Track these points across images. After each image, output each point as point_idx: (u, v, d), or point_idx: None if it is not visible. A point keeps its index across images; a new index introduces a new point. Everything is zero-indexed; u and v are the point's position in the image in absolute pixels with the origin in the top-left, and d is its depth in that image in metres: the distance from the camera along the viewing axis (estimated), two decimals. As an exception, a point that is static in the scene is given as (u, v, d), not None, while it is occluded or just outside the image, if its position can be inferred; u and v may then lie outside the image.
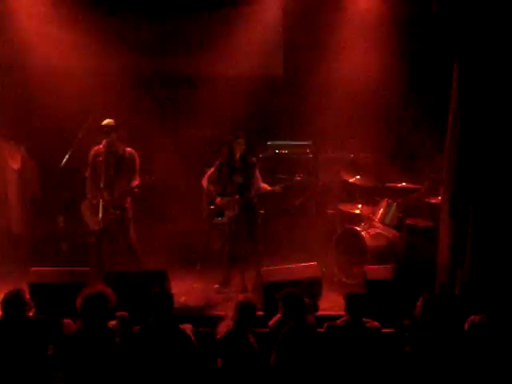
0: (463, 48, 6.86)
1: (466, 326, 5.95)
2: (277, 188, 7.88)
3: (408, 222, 8.33)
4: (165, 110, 9.30)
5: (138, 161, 7.81)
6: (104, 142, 7.74)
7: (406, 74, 8.76)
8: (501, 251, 6.79)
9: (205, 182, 7.92)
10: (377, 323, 6.09)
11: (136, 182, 7.68)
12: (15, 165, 9.06)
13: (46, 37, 8.81)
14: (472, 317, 5.98)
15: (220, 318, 6.27)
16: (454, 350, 5.79)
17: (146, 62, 9.48)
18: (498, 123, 6.76)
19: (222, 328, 5.96)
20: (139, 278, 7.13)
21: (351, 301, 6.05)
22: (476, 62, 6.79)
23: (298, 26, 9.13)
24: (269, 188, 7.89)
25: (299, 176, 8.64)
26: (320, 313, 7.00)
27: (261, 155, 9.12)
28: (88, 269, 7.21)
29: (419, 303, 5.93)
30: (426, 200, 8.41)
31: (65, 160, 8.50)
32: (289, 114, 9.31)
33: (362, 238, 8.10)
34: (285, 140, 9.45)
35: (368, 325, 6.02)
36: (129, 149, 7.83)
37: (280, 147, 9.41)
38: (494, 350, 5.78)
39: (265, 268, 7.43)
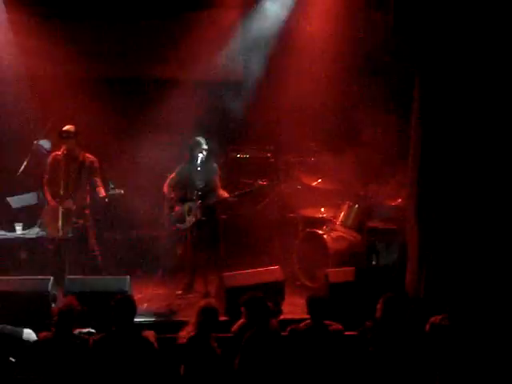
0: (423, 61, 6.97)
1: (427, 327, 6.03)
2: (230, 198, 7.86)
3: (369, 224, 8.41)
4: (126, 115, 9.23)
5: (98, 167, 7.74)
6: (63, 148, 7.65)
7: (366, 80, 8.84)
8: (463, 255, 6.89)
9: (166, 188, 7.87)
10: (340, 326, 6.12)
11: (101, 190, 7.61)
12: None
13: (5, 43, 8.70)
14: (433, 318, 6.06)
15: (182, 324, 6.23)
16: (415, 351, 5.85)
17: (107, 67, 9.41)
18: (460, 133, 6.88)
19: (185, 333, 5.93)
20: (101, 285, 7.05)
21: (313, 304, 6.07)
22: (436, 76, 6.91)
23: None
24: (225, 195, 7.87)
25: (261, 180, 8.64)
26: (283, 316, 7.00)
27: (222, 160, 9.09)
28: (48, 277, 7.11)
29: (380, 305, 5.98)
30: (386, 202, 8.49)
31: (23, 166, 8.38)
32: (250, 118, 9.30)
33: (323, 241, 8.14)
34: (246, 145, 9.44)
35: (331, 328, 6.05)
36: (88, 155, 7.76)
37: (241, 151, 9.41)
38: (454, 351, 5.86)
39: (227, 273, 7.40)
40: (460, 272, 6.87)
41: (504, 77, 6.80)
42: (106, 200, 7.65)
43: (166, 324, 6.91)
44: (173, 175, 7.86)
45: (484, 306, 6.33)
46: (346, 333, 6.16)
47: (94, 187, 7.70)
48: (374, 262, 8.16)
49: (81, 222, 7.64)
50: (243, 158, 9.40)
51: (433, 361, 5.88)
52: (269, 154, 9.37)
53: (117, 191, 7.67)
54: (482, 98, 6.82)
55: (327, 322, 6.09)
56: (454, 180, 6.96)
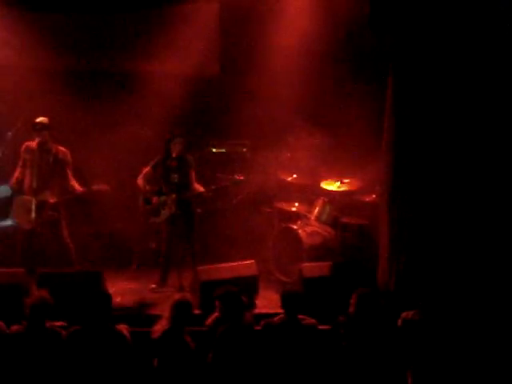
0: (398, 55, 7.01)
1: (399, 322, 6.09)
2: (205, 192, 7.85)
3: (343, 219, 8.45)
4: (100, 109, 9.15)
5: (71, 160, 7.68)
6: (36, 140, 7.58)
7: (343, 75, 8.86)
8: (435, 250, 6.95)
9: (140, 181, 7.82)
10: (313, 320, 6.15)
11: (75, 183, 7.55)
12: None
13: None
14: (405, 313, 6.12)
15: (156, 318, 6.22)
16: (387, 345, 5.90)
17: (83, 60, 9.30)
18: (432, 128, 6.94)
19: (159, 327, 5.91)
20: (74, 279, 7.01)
21: (287, 298, 6.09)
22: (410, 70, 6.96)
23: (234, 24, 9.13)
24: (201, 189, 7.85)
25: (237, 175, 8.63)
26: (257, 311, 7.02)
27: (198, 154, 9.06)
28: (20, 270, 7.05)
29: (353, 300, 6.02)
30: (360, 198, 8.54)
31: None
32: (226, 112, 9.28)
33: (298, 235, 8.16)
34: (222, 139, 9.42)
35: (304, 322, 6.08)
36: (62, 148, 7.70)
37: (217, 146, 9.39)
38: (426, 345, 5.92)
39: (202, 267, 7.40)
40: (431, 267, 6.93)
41: (478, 66, 6.87)
42: (86, 195, 7.60)
43: (140, 318, 6.87)
44: (147, 168, 7.82)
45: (455, 301, 6.41)
46: (320, 327, 6.19)
47: (67, 180, 7.63)
48: (347, 258, 8.18)
49: (54, 214, 7.58)
50: (219, 152, 9.38)
51: (405, 355, 5.94)
52: (245, 149, 9.35)
53: (101, 186, 7.63)
54: (457, 89, 6.88)
55: (301, 316, 6.11)
56: (426, 176, 7.02)
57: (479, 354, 6.03)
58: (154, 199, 7.72)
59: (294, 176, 8.80)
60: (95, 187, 7.64)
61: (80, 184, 7.73)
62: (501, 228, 6.93)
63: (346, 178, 8.55)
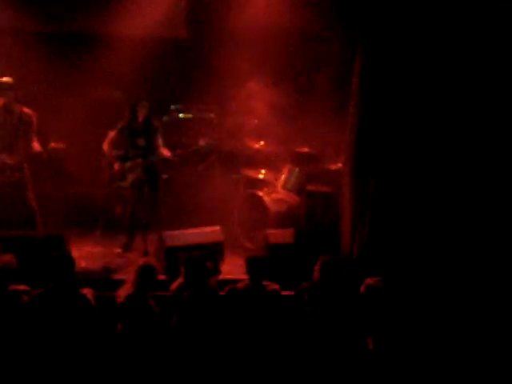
0: (366, 33, 7.01)
1: (362, 288, 6.17)
2: (172, 157, 7.80)
3: (309, 187, 8.48)
4: (65, 71, 8.99)
5: (35, 122, 7.56)
6: (1, 100, 7.44)
7: (311, 42, 8.83)
8: (397, 219, 7.04)
9: (106, 146, 7.73)
10: (277, 286, 6.20)
11: (36, 144, 7.46)
12: None
13: None
14: (368, 279, 6.20)
15: (121, 283, 6.21)
16: (350, 311, 5.99)
17: (49, 22, 9.12)
18: (397, 104, 6.99)
19: (123, 292, 5.91)
20: (37, 242, 6.95)
21: (252, 264, 6.13)
22: (379, 39, 6.98)
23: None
24: (167, 154, 7.81)
25: (203, 140, 8.59)
26: (222, 276, 7.05)
27: (164, 119, 8.99)
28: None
29: (317, 266, 6.08)
30: (327, 166, 8.57)
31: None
32: (193, 76, 9.19)
33: (264, 202, 8.18)
34: (189, 104, 9.34)
35: (268, 288, 6.13)
36: (26, 109, 7.57)
37: (184, 111, 9.31)
38: (388, 312, 6.02)
39: (167, 232, 7.38)
40: (393, 236, 7.02)
41: (446, 44, 6.92)
42: (44, 155, 7.49)
43: (105, 282, 6.85)
44: (113, 133, 7.71)
45: (417, 269, 6.52)
46: (284, 293, 6.25)
47: (30, 142, 7.52)
48: (312, 225, 8.24)
49: (15, 175, 7.46)
50: (186, 117, 9.31)
51: (366, 321, 6.03)
52: (212, 115, 9.29)
53: (58, 145, 7.53)
54: (424, 63, 6.92)
55: (265, 282, 6.16)
56: (389, 146, 7.07)
57: (439, 319, 6.16)
58: (120, 164, 7.66)
59: (262, 143, 8.78)
60: (51, 146, 7.53)
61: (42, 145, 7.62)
62: (459, 196, 7.02)
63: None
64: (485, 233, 6.97)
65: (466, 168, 7.02)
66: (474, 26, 6.88)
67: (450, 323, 6.26)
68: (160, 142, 7.79)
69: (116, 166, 7.67)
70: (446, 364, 6.05)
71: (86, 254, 7.71)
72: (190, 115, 9.30)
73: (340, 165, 8.42)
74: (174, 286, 6.23)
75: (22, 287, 5.92)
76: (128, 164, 7.63)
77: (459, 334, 6.25)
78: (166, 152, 7.81)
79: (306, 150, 8.73)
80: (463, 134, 7.01)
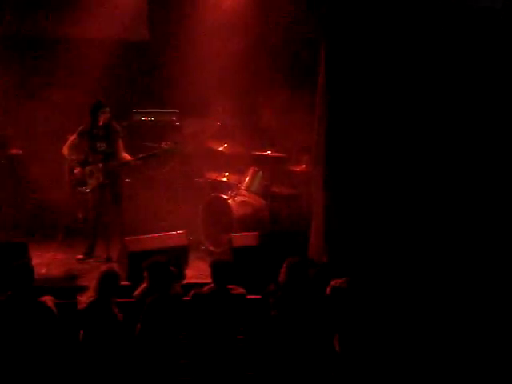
0: (331, 31, 7.01)
1: (328, 290, 6.15)
2: (133, 161, 7.71)
3: (273, 189, 8.47)
4: (24, 75, 8.84)
5: None
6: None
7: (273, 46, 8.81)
8: (365, 220, 7.05)
9: (66, 150, 7.62)
10: (243, 290, 6.15)
11: None
12: None
13: None
14: (333, 281, 6.18)
15: (83, 289, 6.10)
16: (316, 313, 5.96)
17: (9, 25, 8.95)
18: (364, 103, 7.01)
19: (85, 299, 5.81)
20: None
21: (216, 268, 6.06)
22: (343, 44, 6.98)
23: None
24: (128, 158, 7.72)
25: (166, 144, 8.50)
26: (187, 281, 6.98)
27: (125, 123, 8.88)
28: None
29: (283, 269, 6.04)
30: (291, 168, 8.56)
31: None
32: (155, 80, 9.11)
33: (228, 205, 8.13)
34: (150, 107, 9.26)
35: (234, 292, 6.07)
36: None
37: (146, 114, 9.22)
38: (355, 313, 6.01)
39: (130, 237, 7.29)
40: (361, 238, 7.03)
41: (410, 43, 6.97)
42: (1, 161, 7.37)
43: (66, 289, 6.73)
44: (73, 137, 7.62)
45: (383, 270, 6.52)
46: (249, 297, 6.20)
47: None
48: (276, 227, 8.21)
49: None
50: (148, 120, 9.21)
51: (333, 322, 6.01)
52: (174, 118, 9.22)
53: (16, 152, 7.40)
54: (388, 61, 6.95)
55: (230, 286, 6.10)
56: (358, 148, 7.08)
57: (403, 320, 6.16)
58: (81, 168, 7.54)
59: (225, 145, 8.73)
60: (11, 152, 7.39)
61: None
62: (427, 199, 7.06)
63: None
64: (451, 234, 7.01)
65: (433, 168, 7.05)
66: (437, 23, 6.93)
67: (417, 323, 6.28)
68: (121, 146, 7.70)
69: (76, 171, 7.55)
70: (413, 363, 6.06)
71: (47, 260, 7.61)
72: (151, 118, 9.21)
73: (304, 166, 8.41)
74: (138, 291, 6.15)
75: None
76: (88, 169, 7.53)
77: (426, 333, 6.27)
78: (127, 156, 7.72)
79: (269, 152, 8.69)
80: (431, 132, 7.05)
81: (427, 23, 6.98)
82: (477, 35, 7.03)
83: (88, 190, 7.59)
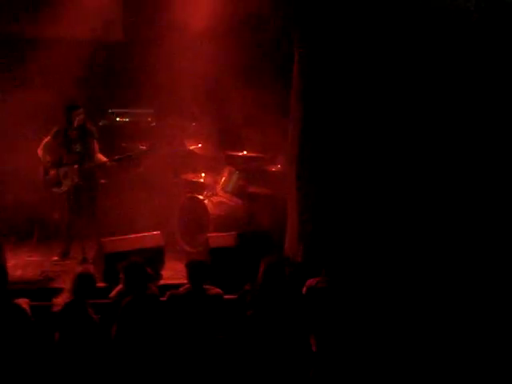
0: (304, 37, 7.03)
1: (304, 290, 6.17)
2: (108, 161, 7.68)
3: (249, 189, 8.47)
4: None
5: None
6: None
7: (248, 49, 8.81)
8: (340, 220, 7.08)
9: (40, 151, 7.57)
10: (219, 290, 6.15)
11: None
12: None
13: None
14: (309, 280, 6.21)
15: (58, 291, 6.07)
16: (292, 313, 5.97)
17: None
18: (338, 105, 7.04)
19: (61, 300, 5.78)
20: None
21: (192, 269, 6.06)
22: (316, 50, 7.01)
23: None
24: (104, 159, 7.69)
25: (142, 145, 8.48)
26: (163, 282, 6.97)
27: (101, 123, 8.84)
28: None
29: (261, 269, 6.04)
30: (267, 168, 8.57)
31: None
32: (130, 80, 9.06)
33: (204, 206, 8.13)
34: (126, 107, 9.22)
35: (210, 292, 6.07)
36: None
37: (121, 115, 9.18)
38: (330, 312, 6.03)
39: (106, 238, 7.26)
40: (336, 237, 7.06)
41: (383, 41, 7.00)
42: None
43: (42, 291, 6.69)
44: (48, 138, 7.57)
45: (360, 270, 6.56)
46: (226, 297, 6.20)
47: None
48: (253, 227, 8.22)
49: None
50: (123, 121, 9.18)
51: (309, 321, 6.03)
52: (149, 118, 9.19)
53: None
54: (361, 63, 6.99)
55: (207, 286, 6.11)
56: (331, 148, 7.11)
57: (379, 319, 6.20)
58: (56, 170, 7.50)
59: (200, 145, 8.72)
60: None
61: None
62: (400, 195, 7.11)
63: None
64: (424, 232, 7.06)
65: (406, 167, 7.10)
66: (412, 24, 6.97)
67: (392, 321, 6.32)
68: (96, 147, 7.67)
69: (51, 172, 7.50)
70: (390, 363, 6.10)
71: (22, 262, 7.55)
72: (126, 119, 9.18)
73: (279, 166, 8.43)
74: (114, 292, 6.12)
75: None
76: (63, 170, 7.48)
77: (402, 331, 6.31)
78: (102, 158, 7.68)
79: (245, 152, 8.70)
80: (404, 134, 7.10)
81: (402, 24, 7.01)
82: (452, 36, 7.08)
83: (63, 191, 7.54)
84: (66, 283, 6.04)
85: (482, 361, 6.17)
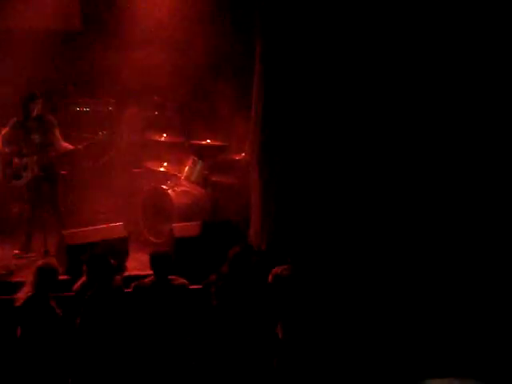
0: (266, 24, 6.97)
1: (270, 278, 6.16)
2: (78, 147, 7.57)
3: (213, 178, 8.42)
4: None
5: None
6: None
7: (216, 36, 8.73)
8: (303, 208, 7.06)
9: (-1, 143, 7.44)
10: (184, 280, 6.11)
11: None
12: None
13: None
14: (275, 269, 6.20)
15: (20, 285, 5.96)
16: (258, 302, 5.96)
17: None
18: (300, 91, 6.99)
19: (22, 295, 5.68)
20: None
21: (155, 260, 6.01)
22: (278, 33, 6.96)
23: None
24: (70, 147, 7.57)
25: (102, 134, 8.36)
26: (128, 273, 6.88)
27: (60, 114, 8.68)
28: None
29: (228, 258, 6.01)
30: (230, 156, 8.52)
31: None
32: (90, 69, 8.92)
33: (168, 196, 8.05)
34: (86, 97, 9.07)
35: (175, 282, 6.03)
36: None
37: (81, 105, 9.03)
38: (297, 300, 6.03)
39: (68, 230, 7.16)
40: (300, 225, 7.05)
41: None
42: None
43: (3, 285, 6.57)
44: (6, 129, 7.42)
45: (325, 256, 6.56)
46: (191, 287, 6.16)
47: None
48: (217, 217, 8.18)
49: None
50: (83, 111, 9.03)
51: (275, 310, 6.03)
52: (110, 108, 9.06)
53: None
54: (323, 46, 6.95)
55: (172, 276, 6.06)
56: (295, 132, 7.09)
57: (345, 306, 6.22)
58: (15, 161, 7.36)
59: (163, 135, 8.63)
60: None
61: None
62: (362, 179, 7.11)
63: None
64: (388, 211, 7.07)
65: (369, 150, 7.09)
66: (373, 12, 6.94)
67: (359, 308, 6.35)
68: (58, 136, 7.54)
69: (10, 164, 7.36)
70: (355, 350, 6.13)
71: (-18, 257, 7.38)
72: (87, 109, 9.03)
73: (244, 154, 8.39)
74: (77, 285, 6.05)
75: None
76: (23, 161, 7.35)
77: (368, 318, 6.34)
78: (68, 146, 7.57)
79: (208, 141, 8.63)
80: (365, 120, 7.08)
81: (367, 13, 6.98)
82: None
83: (23, 184, 7.41)
84: (28, 277, 5.92)
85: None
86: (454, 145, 7.04)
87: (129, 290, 6.05)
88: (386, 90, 7.02)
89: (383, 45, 6.97)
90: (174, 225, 7.47)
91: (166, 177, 8.46)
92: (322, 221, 7.01)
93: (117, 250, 6.81)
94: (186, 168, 8.42)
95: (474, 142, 7.02)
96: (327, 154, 7.07)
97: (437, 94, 7.01)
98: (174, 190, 8.14)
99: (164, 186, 8.17)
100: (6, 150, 7.40)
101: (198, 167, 8.41)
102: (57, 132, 7.54)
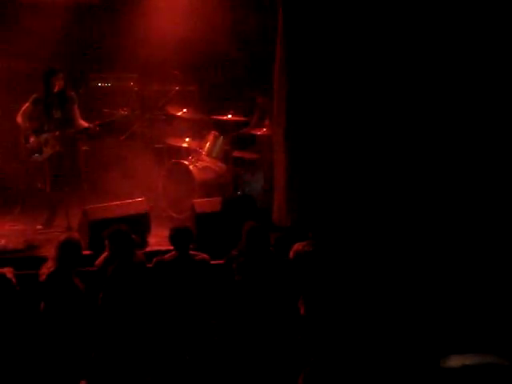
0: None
1: (291, 254, 6.14)
2: (92, 126, 7.55)
3: (235, 154, 8.39)
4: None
5: None
6: None
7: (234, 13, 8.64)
8: (330, 183, 7.01)
9: (20, 118, 7.42)
10: (205, 255, 6.11)
11: None
12: None
13: None
14: (296, 245, 6.17)
15: (43, 260, 6.00)
16: (280, 277, 5.96)
17: None
18: (325, 66, 6.91)
19: (46, 270, 5.72)
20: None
21: (176, 235, 6.01)
22: (301, 10, 6.84)
23: None
24: (85, 125, 7.56)
25: (124, 110, 8.34)
26: (149, 248, 6.90)
27: (82, 89, 8.67)
28: None
29: (243, 234, 6.00)
30: (252, 132, 8.48)
31: None
32: (111, 44, 8.88)
33: (189, 171, 8.04)
34: (107, 72, 9.05)
35: (197, 257, 6.04)
36: None
37: (103, 80, 9.01)
38: (318, 276, 6.01)
39: (90, 206, 7.17)
40: (326, 200, 7.01)
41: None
42: None
43: (26, 260, 6.61)
44: (27, 104, 7.42)
45: (348, 233, 6.53)
46: (213, 262, 6.17)
47: None
48: (239, 192, 8.17)
49: None
50: (105, 86, 9.01)
51: (297, 286, 6.02)
52: (132, 83, 9.03)
53: None
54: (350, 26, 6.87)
55: (193, 252, 6.07)
56: (321, 110, 7.02)
57: (367, 281, 6.20)
58: (36, 137, 7.37)
59: (184, 110, 8.59)
60: None
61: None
62: (388, 164, 7.05)
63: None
64: (410, 199, 7.03)
65: (393, 136, 7.03)
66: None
67: (381, 284, 6.32)
68: (77, 113, 7.54)
69: (31, 140, 7.38)
70: (377, 326, 6.10)
71: (6, 231, 7.44)
72: (108, 84, 9.01)
73: (265, 130, 8.33)
74: (99, 260, 6.07)
75: None
76: (44, 137, 7.36)
77: (390, 295, 6.31)
78: (84, 123, 7.56)
79: (229, 116, 8.58)
80: (388, 102, 7.01)
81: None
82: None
83: (44, 159, 7.42)
84: (51, 252, 5.96)
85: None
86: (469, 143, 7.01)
87: (150, 266, 6.07)
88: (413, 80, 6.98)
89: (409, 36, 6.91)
90: (195, 200, 7.46)
91: (187, 152, 8.45)
92: (346, 198, 6.97)
93: (138, 225, 6.83)
94: (207, 143, 8.40)
95: (486, 142, 6.98)
96: (358, 129, 7.00)
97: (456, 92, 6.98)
98: (195, 166, 8.14)
99: (185, 162, 8.16)
100: (27, 125, 7.41)
101: (219, 142, 8.38)
102: (76, 108, 7.54)
